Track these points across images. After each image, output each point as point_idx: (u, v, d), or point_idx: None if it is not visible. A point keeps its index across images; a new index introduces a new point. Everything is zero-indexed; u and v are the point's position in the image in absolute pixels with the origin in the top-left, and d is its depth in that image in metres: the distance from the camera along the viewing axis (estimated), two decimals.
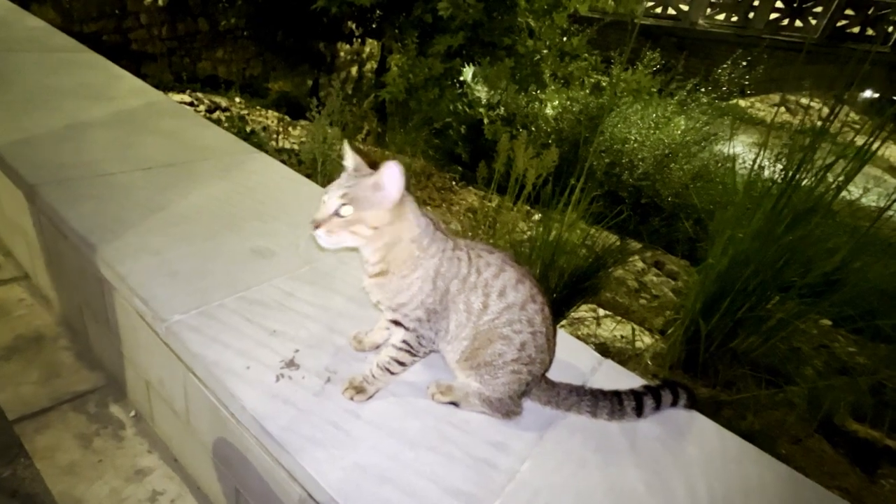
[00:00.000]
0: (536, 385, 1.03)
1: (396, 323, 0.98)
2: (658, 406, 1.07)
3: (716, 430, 1.09)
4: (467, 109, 7.16)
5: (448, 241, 0.97)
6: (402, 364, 1.00)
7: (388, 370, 1.00)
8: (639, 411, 1.05)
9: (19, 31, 2.96)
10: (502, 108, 7.55)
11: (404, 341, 0.98)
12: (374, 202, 0.89)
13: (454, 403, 1.04)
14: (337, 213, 0.89)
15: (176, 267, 1.32)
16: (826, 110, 2.59)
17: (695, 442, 1.05)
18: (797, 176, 2.41)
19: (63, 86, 2.31)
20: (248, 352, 1.09)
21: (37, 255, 1.80)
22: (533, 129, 6.96)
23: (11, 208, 1.83)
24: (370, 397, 1.03)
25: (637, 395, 1.06)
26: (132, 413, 1.53)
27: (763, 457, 1.04)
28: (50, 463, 1.36)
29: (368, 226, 0.90)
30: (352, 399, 1.02)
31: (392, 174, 0.88)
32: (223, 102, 6.10)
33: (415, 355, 1.00)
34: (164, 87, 5.90)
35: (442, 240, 0.96)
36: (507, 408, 1.01)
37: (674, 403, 1.09)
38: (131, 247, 1.36)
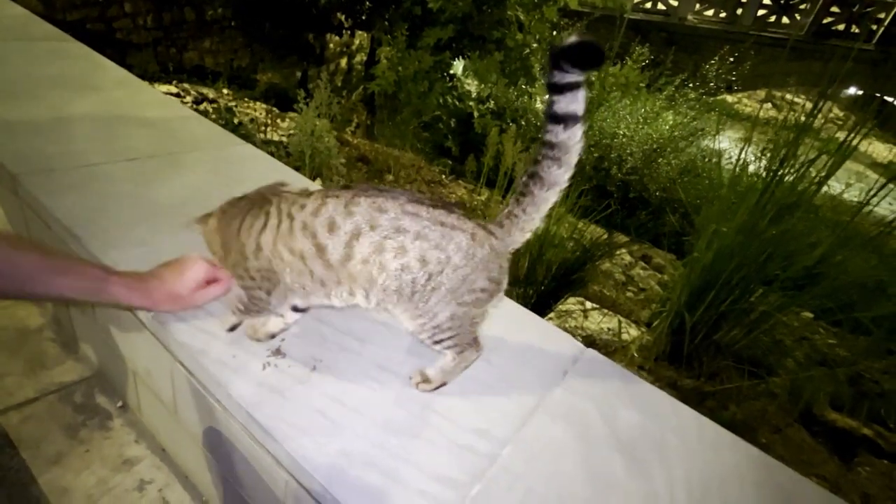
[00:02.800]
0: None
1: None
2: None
3: (694, 418, 1.12)
4: (457, 103, 7.15)
5: (248, 202, 1.03)
6: (240, 311, 1.08)
7: (237, 310, 1.08)
8: (563, 120, 0.88)
9: (1, 18, 2.90)
10: (492, 102, 7.56)
11: (239, 297, 1.06)
12: None
13: (442, 385, 1.05)
14: None
15: (161, 258, 1.31)
16: (810, 106, 2.63)
17: (674, 429, 1.08)
18: (781, 171, 2.46)
19: (46, 75, 2.28)
20: (235, 340, 1.10)
21: None
22: (522, 122, 6.97)
23: None
24: (234, 327, 1.11)
25: (550, 113, 0.89)
26: (119, 403, 1.53)
27: (739, 443, 1.08)
28: (36, 453, 1.36)
29: None
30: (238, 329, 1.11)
31: None
32: (210, 94, 6.03)
33: (247, 311, 1.07)
34: (150, 78, 5.81)
35: (239, 205, 1.04)
36: (467, 330, 0.99)
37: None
38: (116, 238, 1.35)
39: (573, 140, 0.90)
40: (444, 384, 1.05)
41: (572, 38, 0.82)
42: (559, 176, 0.93)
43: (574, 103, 0.87)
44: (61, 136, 1.80)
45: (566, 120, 0.88)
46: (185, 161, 1.83)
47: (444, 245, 0.91)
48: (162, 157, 1.82)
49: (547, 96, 0.90)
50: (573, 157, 0.92)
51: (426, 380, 1.05)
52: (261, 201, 1.01)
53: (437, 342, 0.99)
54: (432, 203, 0.94)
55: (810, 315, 2.97)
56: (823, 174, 2.45)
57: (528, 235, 0.99)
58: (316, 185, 1.95)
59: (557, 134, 0.89)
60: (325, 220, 0.91)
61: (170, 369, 1.18)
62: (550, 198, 0.95)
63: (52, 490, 1.29)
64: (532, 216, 0.97)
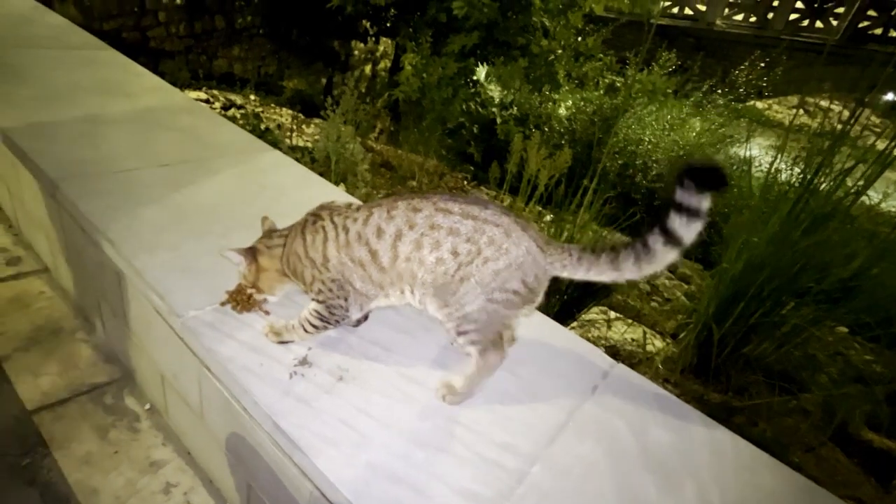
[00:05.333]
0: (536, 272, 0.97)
1: (313, 300, 1.10)
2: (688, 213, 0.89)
3: (729, 437, 1.07)
4: (480, 109, 7.14)
5: (299, 225, 1.10)
6: (314, 327, 1.09)
7: (303, 328, 1.10)
8: (668, 236, 0.91)
9: (41, 28, 3.02)
10: (515, 108, 7.53)
11: (315, 310, 1.08)
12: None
13: (468, 397, 1.05)
14: None
15: (191, 263, 1.34)
16: (846, 113, 2.55)
17: (707, 448, 1.04)
18: (815, 180, 2.38)
19: (83, 82, 2.35)
20: (262, 349, 1.10)
21: (56, 248, 1.83)
22: (546, 129, 6.92)
23: (32, 202, 1.87)
24: (284, 342, 1.12)
25: (661, 223, 0.91)
26: (147, 406, 1.56)
27: (777, 465, 1.03)
28: (67, 453, 1.39)
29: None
30: (266, 336, 1.13)
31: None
32: (238, 100, 6.16)
33: (326, 322, 1.09)
34: (181, 85, 5.96)
35: (295, 229, 1.11)
36: (494, 327, 0.99)
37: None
38: (148, 242, 1.38)
39: (663, 258, 0.93)
40: (470, 395, 1.04)
41: (699, 161, 0.83)
42: (629, 272, 0.95)
43: (685, 229, 0.90)
44: (97, 142, 1.86)
45: (670, 237, 0.91)
46: (215, 167, 1.87)
47: (475, 238, 0.94)
48: (192, 162, 1.86)
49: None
50: (652, 269, 0.94)
51: (452, 391, 1.04)
52: (312, 219, 1.09)
53: (461, 332, 1.01)
54: (466, 200, 0.97)
55: (845, 330, 2.86)
56: (861, 184, 2.36)
57: (563, 275, 1.00)
58: (346, 194, 1.96)
59: (655, 242, 0.92)
60: (373, 227, 0.99)
61: (197, 374, 1.20)
62: (604, 273, 0.97)
63: (81, 490, 1.31)
64: (577, 268, 0.98)
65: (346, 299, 1.06)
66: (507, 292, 0.96)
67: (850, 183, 2.41)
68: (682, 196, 0.87)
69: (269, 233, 1.19)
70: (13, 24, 2.97)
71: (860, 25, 10.88)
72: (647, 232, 0.93)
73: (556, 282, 3.13)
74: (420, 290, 1.00)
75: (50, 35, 2.93)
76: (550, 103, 7.28)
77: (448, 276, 0.96)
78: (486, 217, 0.95)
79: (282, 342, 1.12)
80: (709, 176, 0.86)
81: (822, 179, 2.39)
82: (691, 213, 0.88)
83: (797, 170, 2.78)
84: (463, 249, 0.94)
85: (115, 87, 2.40)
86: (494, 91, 7.71)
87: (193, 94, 5.85)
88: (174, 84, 2.66)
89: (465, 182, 5.59)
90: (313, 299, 1.09)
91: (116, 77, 2.53)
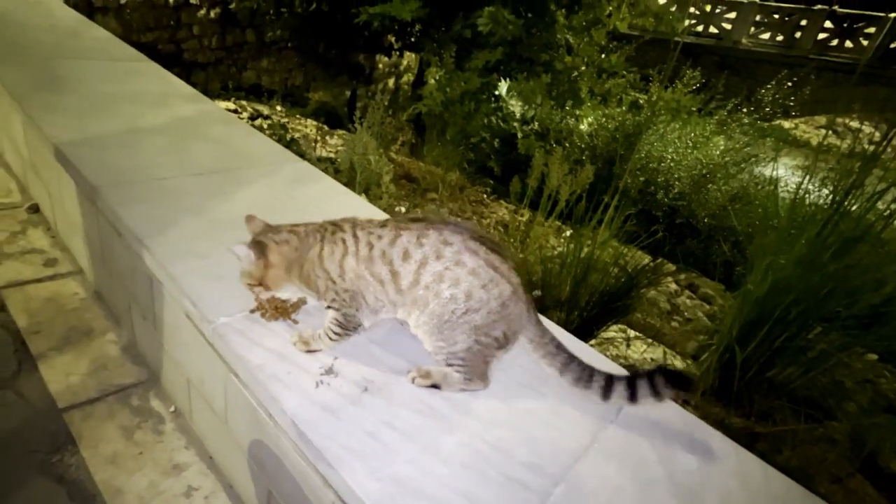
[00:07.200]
0: (524, 324, 1.05)
1: (328, 307, 1.13)
2: (633, 397, 1.03)
3: (759, 466, 1.05)
4: (501, 124, 7.18)
5: (317, 233, 1.12)
6: (337, 335, 1.12)
7: (328, 336, 1.13)
8: (606, 395, 1.04)
9: (87, 40, 3.14)
10: (536, 123, 7.55)
11: (334, 318, 1.11)
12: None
13: (436, 386, 1.09)
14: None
15: (222, 271, 1.37)
16: (877, 134, 2.50)
17: (737, 476, 1.02)
18: (845, 202, 2.33)
19: (124, 92, 2.44)
20: (290, 357, 1.12)
21: (92, 251, 1.89)
22: (567, 144, 6.92)
23: (72, 207, 1.93)
24: (311, 351, 1.14)
25: (609, 381, 1.04)
26: (172, 408, 1.59)
27: (810, 497, 1.00)
28: (94, 452, 1.42)
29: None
30: (295, 345, 1.15)
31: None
32: (265, 110, 6.32)
33: (346, 330, 1.12)
34: (211, 95, 6.14)
35: (312, 236, 1.12)
36: (479, 363, 1.05)
37: (655, 394, 1.02)
38: (181, 249, 1.42)
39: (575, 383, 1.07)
40: (437, 386, 1.09)
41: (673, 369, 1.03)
42: (571, 387, 1.07)
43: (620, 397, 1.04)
44: (136, 150, 1.92)
45: (609, 393, 1.04)
46: (246, 176, 1.92)
47: (489, 287, 1.00)
48: (225, 172, 1.91)
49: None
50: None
51: (423, 375, 1.09)
52: (332, 229, 1.11)
53: (450, 364, 1.07)
54: (491, 245, 1.02)
55: (875, 357, 2.78)
56: (894, 207, 2.31)
57: (527, 338, 1.09)
58: (371, 205, 1.99)
59: (598, 392, 1.05)
60: (400, 249, 1.02)
61: (223, 380, 1.22)
62: (550, 368, 1.09)
63: (107, 490, 1.34)
64: (539, 348, 1.08)
65: (357, 310, 1.10)
66: (491, 338, 1.03)
67: (881, 206, 2.36)
68: (640, 397, 1.02)
69: (274, 228, 1.20)
70: (63, 36, 3.10)
71: (892, 46, 10.70)
72: (597, 377, 1.05)
73: (575, 298, 3.07)
74: (423, 318, 1.04)
75: (95, 47, 3.05)
76: (572, 119, 7.29)
77: (454, 316, 1.00)
78: (504, 272, 1.02)
79: (309, 351, 1.15)
80: (679, 380, 1.02)
81: (853, 202, 2.34)
82: (635, 399, 1.03)
83: (826, 191, 2.73)
84: (476, 295, 0.99)
85: (153, 97, 2.48)
86: (516, 106, 7.76)
87: (223, 105, 6.02)
88: (204, 94, 2.74)
89: (485, 196, 5.61)
90: (328, 307, 1.12)
91: (155, 88, 2.62)
